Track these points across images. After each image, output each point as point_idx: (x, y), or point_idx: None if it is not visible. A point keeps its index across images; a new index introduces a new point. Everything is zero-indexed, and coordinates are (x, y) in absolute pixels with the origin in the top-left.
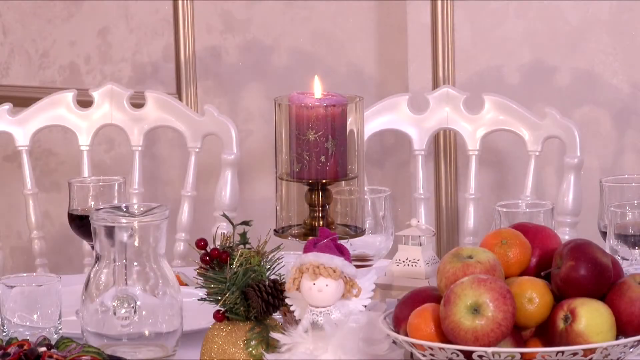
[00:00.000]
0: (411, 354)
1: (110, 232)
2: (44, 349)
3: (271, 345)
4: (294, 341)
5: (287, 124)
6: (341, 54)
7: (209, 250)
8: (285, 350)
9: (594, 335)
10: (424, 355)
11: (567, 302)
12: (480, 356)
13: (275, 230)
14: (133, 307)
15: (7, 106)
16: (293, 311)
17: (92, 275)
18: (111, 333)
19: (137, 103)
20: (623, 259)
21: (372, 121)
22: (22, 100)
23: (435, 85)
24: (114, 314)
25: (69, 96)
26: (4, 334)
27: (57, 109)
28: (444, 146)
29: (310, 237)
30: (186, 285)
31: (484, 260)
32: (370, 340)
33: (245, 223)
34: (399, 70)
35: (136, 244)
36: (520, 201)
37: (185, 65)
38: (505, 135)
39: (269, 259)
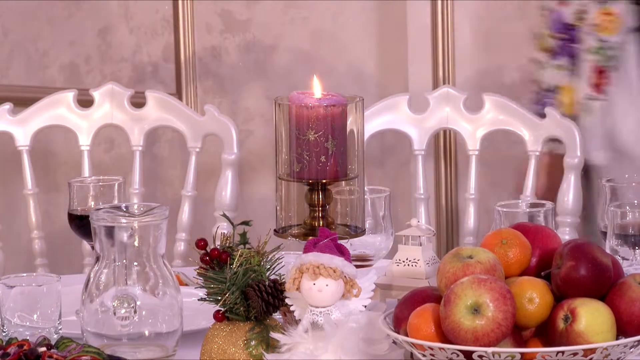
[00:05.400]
0: (411, 354)
1: (110, 232)
2: (44, 349)
3: (271, 345)
4: (294, 341)
5: (287, 124)
6: (341, 53)
7: (209, 250)
8: (285, 350)
9: (594, 335)
10: (424, 355)
11: (567, 302)
12: (480, 356)
13: (275, 230)
14: (133, 307)
15: (7, 106)
16: (293, 311)
17: (92, 275)
18: (111, 333)
19: (138, 103)
20: (623, 259)
21: (372, 121)
22: (22, 100)
23: (435, 85)
24: (114, 314)
25: (69, 96)
26: (4, 334)
27: (58, 109)
28: (444, 146)
29: (310, 237)
30: (186, 285)
31: (484, 260)
32: (370, 340)
33: (245, 223)
34: (399, 70)
35: (136, 244)
36: (520, 201)
37: (185, 65)
38: (506, 135)
39: (269, 259)
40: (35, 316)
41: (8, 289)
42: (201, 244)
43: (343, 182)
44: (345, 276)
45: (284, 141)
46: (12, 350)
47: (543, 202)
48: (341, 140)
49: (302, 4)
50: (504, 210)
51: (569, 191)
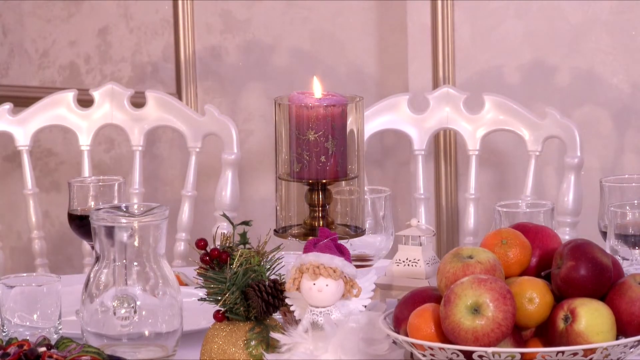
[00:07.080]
0: (411, 354)
1: (110, 232)
2: (44, 349)
3: (271, 345)
4: (294, 341)
5: (287, 124)
6: (341, 54)
7: (209, 250)
8: (285, 350)
9: (594, 335)
10: (424, 355)
11: (567, 302)
12: (480, 356)
13: (275, 230)
14: (133, 307)
15: (7, 106)
16: (293, 311)
17: (92, 275)
18: (111, 333)
19: (138, 102)
20: (623, 259)
21: (372, 121)
22: (22, 100)
23: (435, 85)
24: (114, 314)
25: (69, 96)
26: (4, 334)
27: (58, 109)
28: (444, 146)
29: (310, 237)
30: (186, 285)
31: (484, 260)
32: (370, 340)
33: (245, 223)
34: (399, 70)
35: (136, 244)
36: (520, 201)
37: (185, 65)
38: (505, 135)
39: (269, 259)
40: (35, 316)
41: (8, 289)
42: (201, 244)
43: (343, 182)
44: (345, 276)
45: (284, 141)
46: (12, 350)
47: (543, 202)
48: (341, 140)
49: (302, 4)
50: (504, 210)
51: (569, 191)
